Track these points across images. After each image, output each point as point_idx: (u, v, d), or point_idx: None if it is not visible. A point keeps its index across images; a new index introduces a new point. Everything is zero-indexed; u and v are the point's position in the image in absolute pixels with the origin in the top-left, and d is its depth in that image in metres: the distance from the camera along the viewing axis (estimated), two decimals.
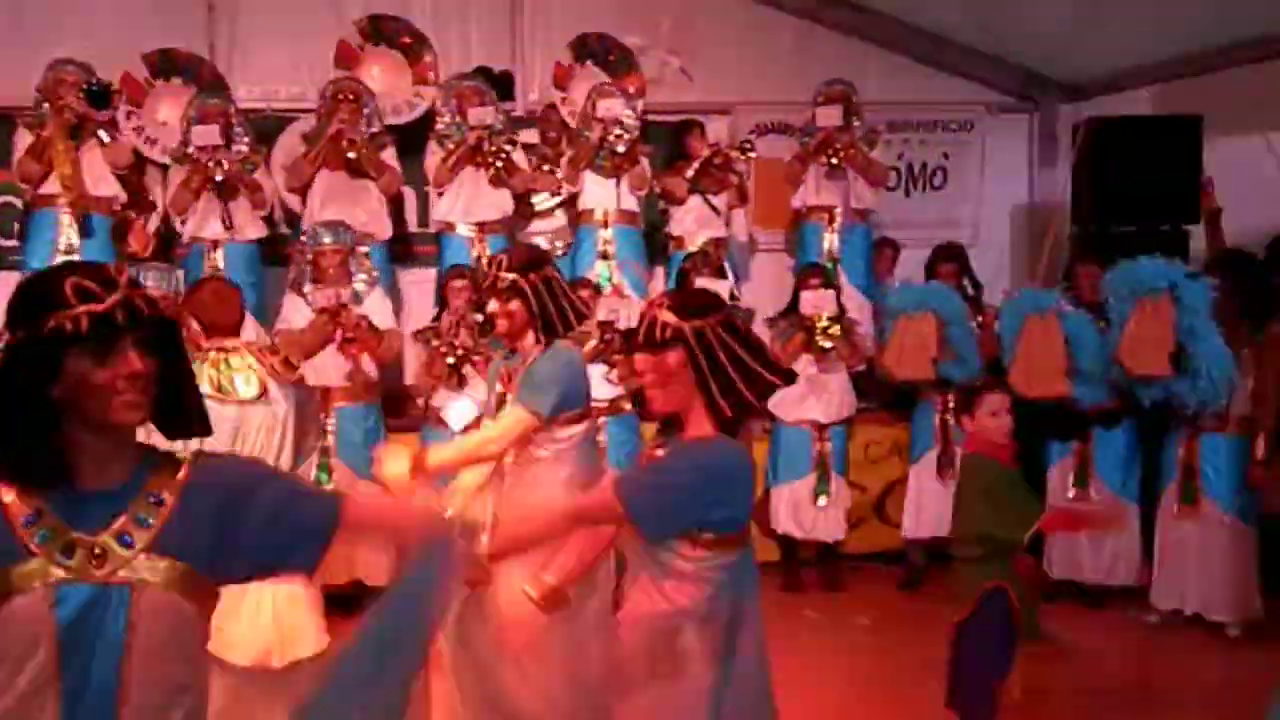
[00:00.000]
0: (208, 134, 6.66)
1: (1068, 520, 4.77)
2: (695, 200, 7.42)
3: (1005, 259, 8.48)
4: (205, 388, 3.81)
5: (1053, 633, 5.42)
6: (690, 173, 7.35)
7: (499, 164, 7.06)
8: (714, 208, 7.42)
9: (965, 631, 4.22)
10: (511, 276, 3.99)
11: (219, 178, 6.62)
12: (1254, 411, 5.67)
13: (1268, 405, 5.59)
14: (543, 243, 7.32)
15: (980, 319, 6.72)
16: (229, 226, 6.70)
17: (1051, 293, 6.43)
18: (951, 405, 6.21)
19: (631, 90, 7.52)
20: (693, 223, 7.45)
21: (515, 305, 3.99)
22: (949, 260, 6.90)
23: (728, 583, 2.66)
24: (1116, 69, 8.05)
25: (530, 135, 7.65)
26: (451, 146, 7.12)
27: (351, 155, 6.76)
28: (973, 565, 4.24)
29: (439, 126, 7.22)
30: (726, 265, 7.30)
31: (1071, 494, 6.40)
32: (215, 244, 6.74)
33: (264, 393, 4.09)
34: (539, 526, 2.70)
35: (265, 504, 1.97)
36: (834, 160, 7.34)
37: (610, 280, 7.12)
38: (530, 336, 4.03)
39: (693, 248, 7.23)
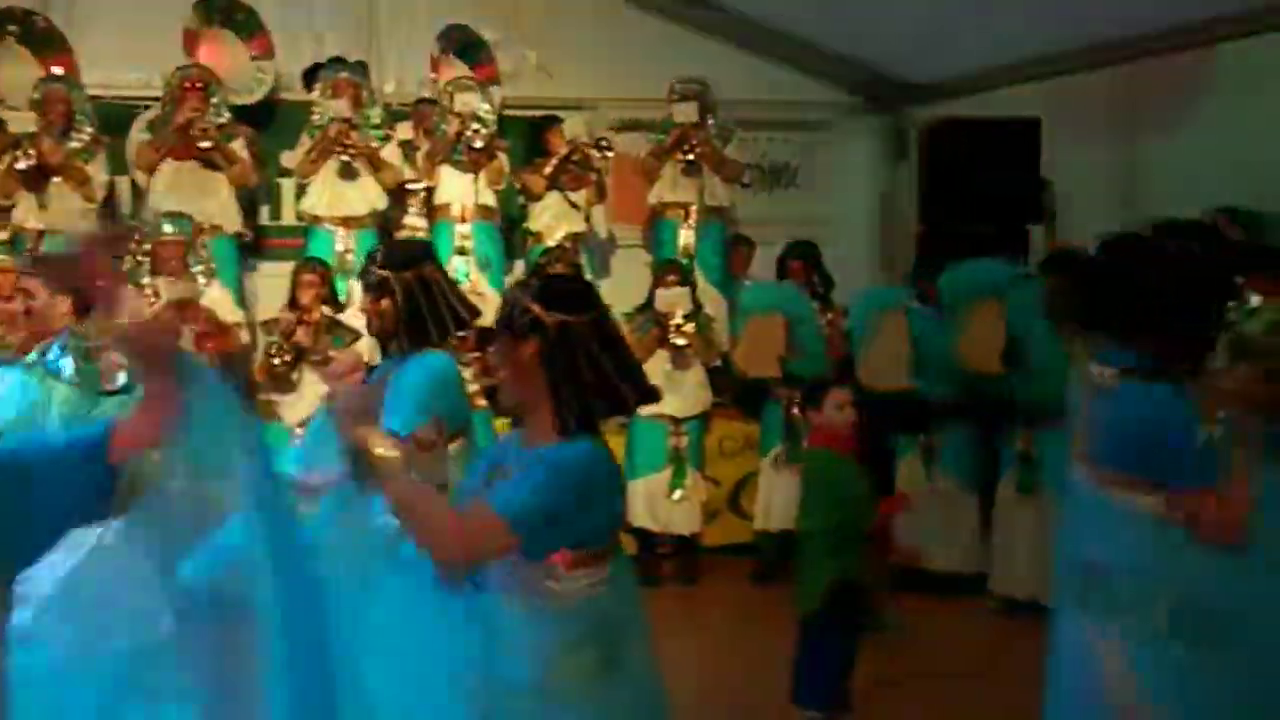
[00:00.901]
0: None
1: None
2: (554, 196, 7.43)
3: (858, 257, 8.67)
4: (67, 372, 3.56)
5: (897, 622, 5.61)
6: (549, 169, 7.36)
7: (349, 157, 6.94)
8: (573, 204, 7.45)
9: (812, 624, 4.29)
10: (384, 273, 3.67)
11: (21, 166, 6.42)
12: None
13: None
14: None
15: (830, 316, 6.88)
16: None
17: (900, 291, 6.62)
18: (798, 400, 6.33)
19: (479, 80, 7.45)
20: (551, 218, 7.46)
21: (385, 304, 3.66)
22: (799, 258, 7.03)
23: (609, 597, 2.46)
24: (964, 72, 8.29)
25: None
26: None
27: (206, 145, 6.61)
28: (819, 558, 4.32)
29: (314, 117, 7.10)
30: (584, 261, 7.34)
31: None
32: (40, 234, 6.51)
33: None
34: (427, 525, 2.34)
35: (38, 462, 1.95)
36: (690, 157, 7.44)
37: (468, 276, 7.07)
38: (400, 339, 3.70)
39: (551, 243, 7.25)
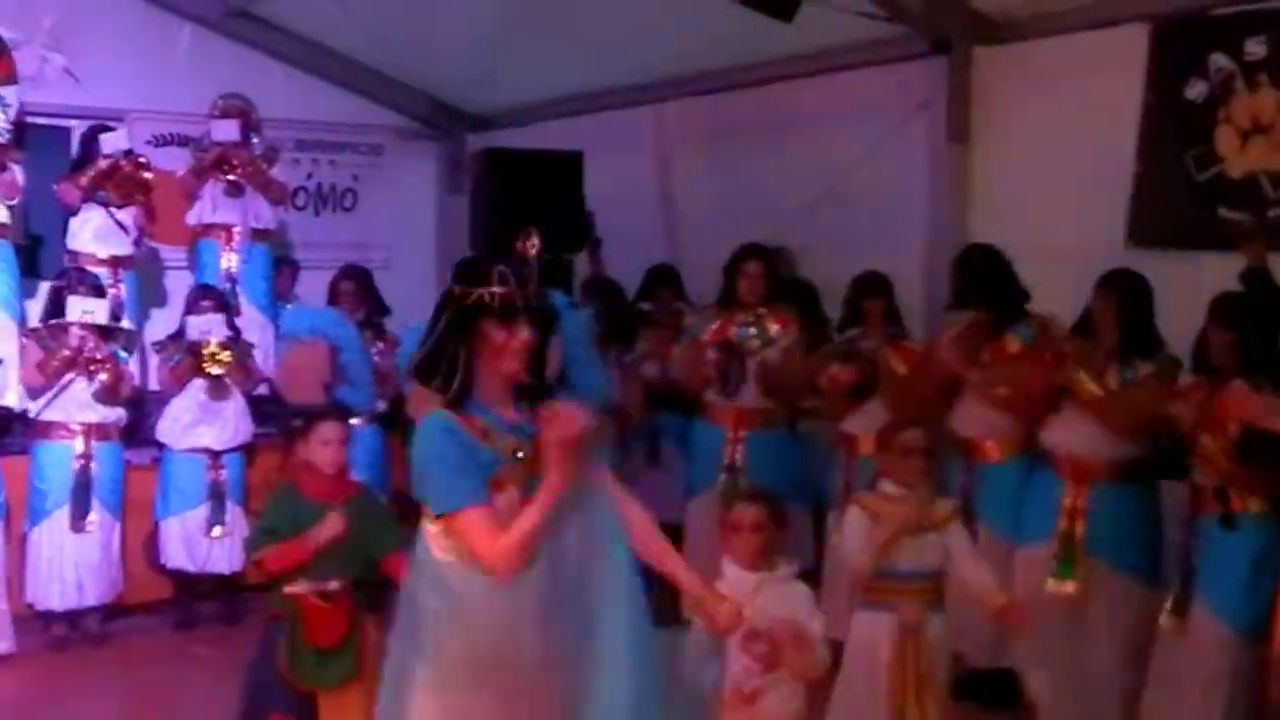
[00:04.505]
0: None
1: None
2: (98, 213, 6.81)
3: (416, 283, 8.61)
4: None
5: None
6: (84, 180, 6.73)
7: None
8: (119, 222, 6.87)
9: (250, 661, 4.04)
10: None
11: None
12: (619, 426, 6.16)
13: (631, 421, 6.12)
14: None
15: (381, 344, 6.76)
16: None
17: None
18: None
19: None
20: (92, 237, 6.84)
21: None
22: (349, 282, 6.88)
23: None
24: (517, 104, 8.49)
25: None
26: None
27: None
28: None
29: None
30: (123, 286, 6.79)
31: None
32: None
33: None
34: None
35: None
36: (231, 177, 7.11)
37: None
38: None
39: (99, 269, 6.63)
